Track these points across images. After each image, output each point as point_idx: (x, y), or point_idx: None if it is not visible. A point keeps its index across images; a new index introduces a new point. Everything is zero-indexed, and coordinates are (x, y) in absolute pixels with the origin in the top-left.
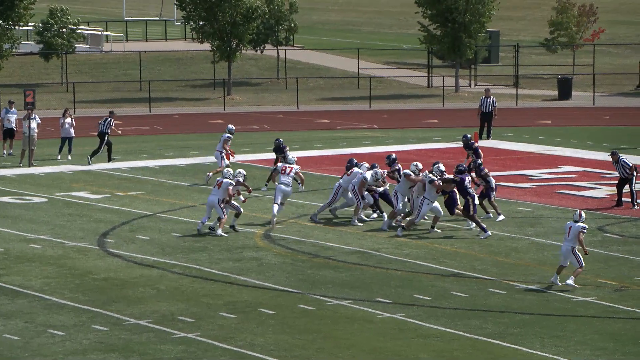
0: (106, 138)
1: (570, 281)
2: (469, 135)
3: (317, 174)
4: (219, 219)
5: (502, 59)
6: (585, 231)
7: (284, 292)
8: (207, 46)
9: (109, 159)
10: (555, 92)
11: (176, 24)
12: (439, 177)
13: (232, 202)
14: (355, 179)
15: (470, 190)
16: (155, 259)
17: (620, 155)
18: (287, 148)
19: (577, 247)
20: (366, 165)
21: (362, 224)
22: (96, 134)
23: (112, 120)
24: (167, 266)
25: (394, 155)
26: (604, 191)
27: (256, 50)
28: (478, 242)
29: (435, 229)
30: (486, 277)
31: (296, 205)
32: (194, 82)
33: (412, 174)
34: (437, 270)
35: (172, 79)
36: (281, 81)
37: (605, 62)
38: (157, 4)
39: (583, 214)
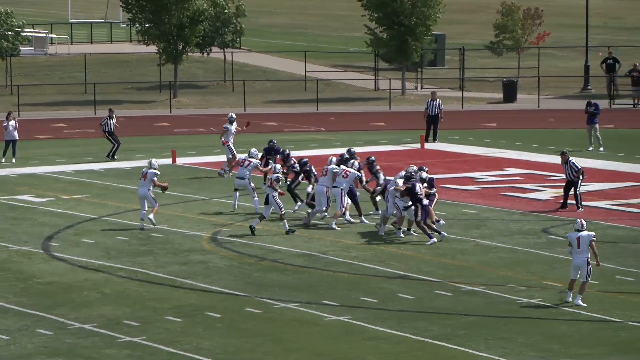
0: (113, 136)
1: (579, 300)
2: (352, 150)
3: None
4: (152, 208)
5: (448, 62)
6: (594, 239)
7: (230, 296)
8: (153, 48)
9: (110, 155)
10: (500, 95)
11: (122, 26)
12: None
13: (277, 200)
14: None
15: (421, 197)
16: (101, 262)
17: (570, 157)
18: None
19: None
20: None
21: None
22: (104, 136)
23: (108, 118)
24: (112, 270)
25: (287, 151)
26: (548, 193)
27: (203, 53)
28: (424, 245)
29: (412, 232)
30: (432, 279)
31: (243, 209)
32: (139, 85)
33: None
34: (384, 272)
35: (117, 82)
36: (228, 84)
37: (550, 65)
38: (102, 6)
39: (584, 222)
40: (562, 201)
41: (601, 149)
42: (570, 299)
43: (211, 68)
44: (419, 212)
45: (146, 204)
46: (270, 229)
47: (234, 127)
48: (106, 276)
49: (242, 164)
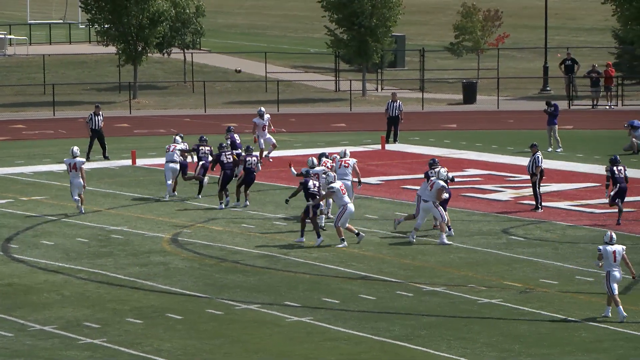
0: (99, 133)
1: (609, 312)
2: (326, 154)
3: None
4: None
5: (408, 63)
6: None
7: (191, 297)
8: (112, 49)
9: (105, 156)
10: (460, 96)
11: (81, 26)
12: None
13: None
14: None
15: (314, 192)
16: (60, 264)
17: (539, 153)
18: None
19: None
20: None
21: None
22: (89, 134)
23: (94, 115)
24: (72, 271)
25: (205, 137)
26: (508, 194)
27: (162, 54)
28: (385, 245)
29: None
30: (393, 280)
31: (203, 210)
32: (99, 86)
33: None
34: (345, 273)
35: (76, 83)
36: (188, 84)
37: (510, 66)
38: (61, 7)
39: (614, 235)
40: (533, 202)
41: (560, 149)
42: (610, 314)
43: (171, 69)
44: (310, 210)
45: (77, 191)
46: (232, 230)
47: (264, 120)
48: (66, 278)
49: (167, 150)
